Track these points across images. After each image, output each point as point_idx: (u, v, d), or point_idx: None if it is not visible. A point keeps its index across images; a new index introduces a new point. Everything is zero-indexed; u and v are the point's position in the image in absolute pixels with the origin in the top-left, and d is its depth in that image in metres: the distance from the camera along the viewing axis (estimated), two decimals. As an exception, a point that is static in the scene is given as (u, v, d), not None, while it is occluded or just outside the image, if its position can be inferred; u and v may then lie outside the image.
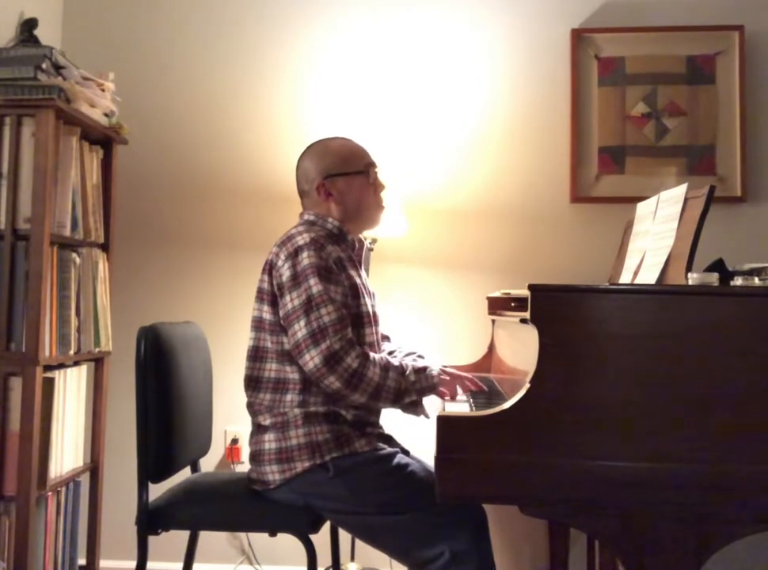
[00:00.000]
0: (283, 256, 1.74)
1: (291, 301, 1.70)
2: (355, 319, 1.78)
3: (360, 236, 1.95)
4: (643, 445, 1.34)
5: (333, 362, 1.64)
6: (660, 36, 2.63)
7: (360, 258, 1.93)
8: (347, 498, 1.67)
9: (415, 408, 1.75)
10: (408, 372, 1.72)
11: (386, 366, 1.70)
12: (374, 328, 1.85)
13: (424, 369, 1.75)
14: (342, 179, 1.87)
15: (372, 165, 1.91)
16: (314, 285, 1.69)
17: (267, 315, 1.77)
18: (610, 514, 1.38)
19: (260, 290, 1.80)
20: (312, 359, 1.65)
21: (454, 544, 1.59)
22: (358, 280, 1.82)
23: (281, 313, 1.73)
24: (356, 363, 1.65)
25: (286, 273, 1.72)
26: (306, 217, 1.89)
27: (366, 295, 1.84)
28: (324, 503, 1.71)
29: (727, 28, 2.61)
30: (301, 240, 1.74)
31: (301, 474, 1.69)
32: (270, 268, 1.78)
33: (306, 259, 1.71)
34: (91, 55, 2.70)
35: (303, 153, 1.94)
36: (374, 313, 1.89)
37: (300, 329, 1.67)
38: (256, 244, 2.68)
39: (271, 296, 1.77)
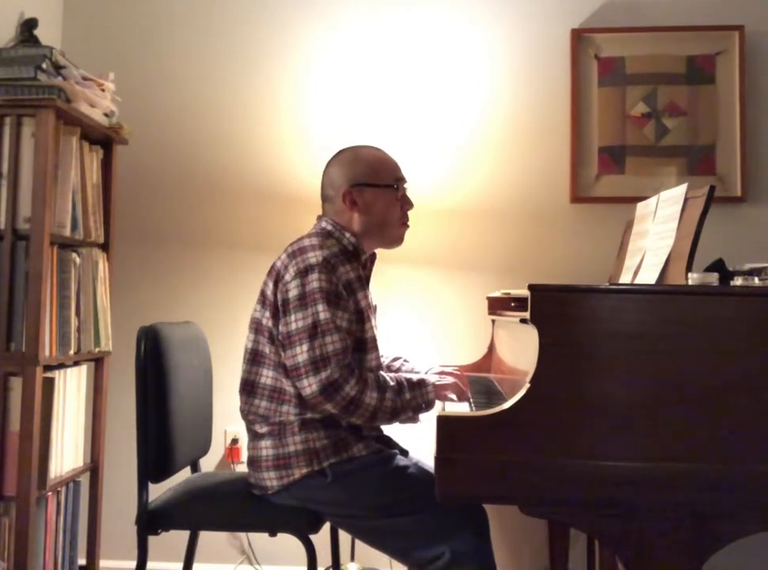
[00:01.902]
0: (292, 272, 1.70)
1: (296, 321, 1.67)
2: (360, 344, 1.76)
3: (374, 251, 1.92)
4: (643, 445, 1.34)
5: (332, 390, 1.62)
6: (660, 36, 2.63)
7: (369, 274, 1.90)
8: (346, 502, 1.67)
9: (412, 419, 1.74)
10: (404, 390, 1.69)
11: (383, 388, 1.67)
12: (377, 352, 1.83)
13: (420, 384, 1.72)
14: (370, 190, 1.82)
15: (402, 180, 1.88)
16: (322, 311, 1.65)
17: (267, 322, 1.74)
18: (610, 514, 1.38)
19: (263, 294, 1.77)
20: (310, 386, 1.63)
21: (454, 544, 1.59)
22: (364, 303, 1.78)
23: (282, 329, 1.70)
24: (354, 391, 1.63)
25: (293, 291, 1.68)
26: (323, 225, 1.84)
27: (370, 318, 1.81)
28: (323, 508, 1.71)
29: (727, 28, 2.61)
30: (313, 258, 1.69)
31: (299, 480, 1.69)
32: (276, 277, 1.73)
33: (315, 282, 1.67)
34: (91, 55, 2.70)
35: (332, 159, 1.90)
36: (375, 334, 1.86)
37: (302, 353, 1.65)
38: (257, 244, 2.69)
39: (273, 307, 1.73)
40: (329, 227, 1.83)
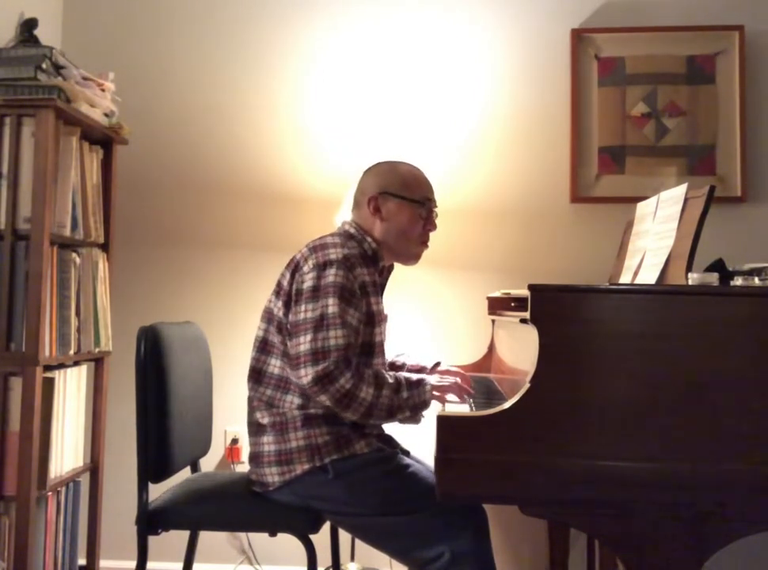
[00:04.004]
0: (311, 264, 1.73)
1: (305, 311, 1.69)
2: (367, 347, 1.77)
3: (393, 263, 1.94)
4: (643, 445, 1.34)
5: (327, 381, 1.63)
6: (660, 36, 2.63)
7: (385, 283, 1.92)
8: (347, 500, 1.67)
9: (412, 419, 1.74)
10: (401, 388, 1.69)
11: (380, 385, 1.67)
12: (383, 357, 1.85)
13: (418, 383, 1.72)
14: (396, 200, 1.85)
15: (431, 201, 1.89)
16: (332, 305, 1.67)
17: (278, 311, 1.77)
18: (610, 514, 1.38)
19: (279, 285, 1.80)
20: (306, 376, 1.64)
21: (454, 544, 1.59)
22: (376, 308, 1.80)
23: (291, 318, 1.72)
24: (349, 384, 1.63)
25: (308, 282, 1.71)
26: (346, 227, 1.87)
27: (380, 324, 1.82)
28: (324, 505, 1.71)
29: (727, 28, 2.61)
30: (333, 254, 1.72)
31: (300, 476, 1.69)
32: (295, 268, 1.76)
33: (331, 276, 1.69)
34: (91, 55, 2.70)
35: (369, 168, 1.93)
36: (384, 338, 1.88)
37: (304, 343, 1.66)
38: (256, 244, 2.69)
39: (287, 296, 1.76)
40: (352, 230, 1.86)
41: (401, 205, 1.85)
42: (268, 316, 1.80)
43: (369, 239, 1.84)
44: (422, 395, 1.71)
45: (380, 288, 1.87)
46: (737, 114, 2.59)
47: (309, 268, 1.72)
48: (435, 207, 1.91)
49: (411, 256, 1.91)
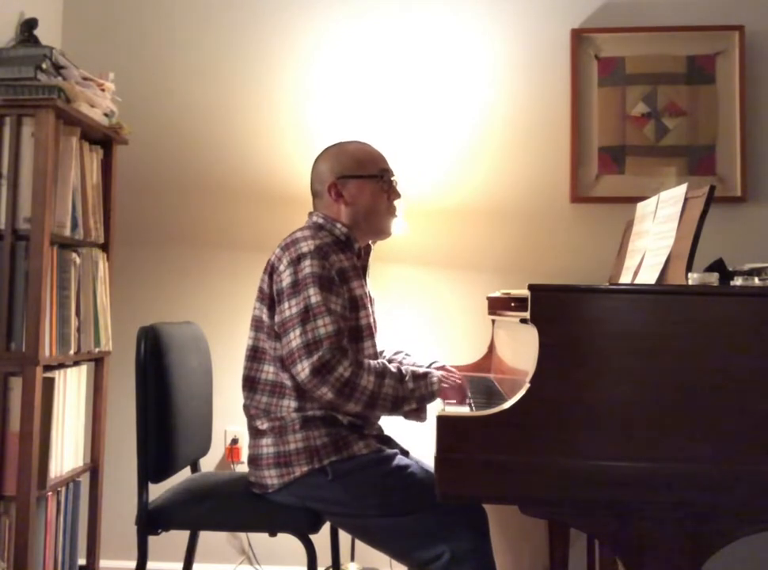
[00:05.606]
0: (285, 261, 1.73)
1: (289, 308, 1.69)
2: (355, 332, 1.77)
3: (369, 242, 1.93)
4: (643, 445, 1.34)
5: (325, 371, 1.62)
6: (660, 36, 2.63)
7: (366, 265, 1.91)
8: (346, 501, 1.67)
9: (417, 414, 1.74)
10: (407, 379, 1.69)
11: (382, 373, 1.67)
12: (373, 340, 1.83)
13: (425, 375, 1.72)
14: (354, 181, 1.85)
15: (388, 171, 1.89)
16: (313, 295, 1.67)
17: (265, 317, 1.76)
18: (610, 514, 1.38)
19: (260, 290, 1.79)
20: (303, 370, 1.63)
21: (454, 544, 1.59)
22: (359, 291, 1.79)
23: (277, 319, 1.72)
24: (348, 372, 1.63)
25: (286, 279, 1.71)
26: (314, 219, 1.87)
27: (366, 306, 1.82)
28: (323, 507, 1.71)
29: (727, 28, 2.61)
30: (305, 247, 1.72)
31: (300, 478, 1.69)
32: (271, 270, 1.76)
33: (307, 267, 1.69)
34: (91, 55, 2.70)
35: (319, 155, 1.93)
36: (374, 320, 1.87)
37: (295, 338, 1.66)
38: (256, 244, 2.69)
39: (269, 299, 1.75)
40: (320, 220, 1.86)
41: (360, 184, 1.85)
42: (256, 323, 1.80)
43: (338, 225, 1.84)
44: (430, 386, 1.71)
45: (362, 271, 1.87)
46: (737, 114, 2.59)
47: (284, 266, 1.72)
48: (393, 175, 1.91)
49: (383, 231, 1.91)
